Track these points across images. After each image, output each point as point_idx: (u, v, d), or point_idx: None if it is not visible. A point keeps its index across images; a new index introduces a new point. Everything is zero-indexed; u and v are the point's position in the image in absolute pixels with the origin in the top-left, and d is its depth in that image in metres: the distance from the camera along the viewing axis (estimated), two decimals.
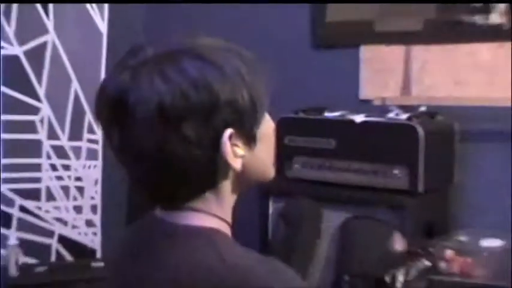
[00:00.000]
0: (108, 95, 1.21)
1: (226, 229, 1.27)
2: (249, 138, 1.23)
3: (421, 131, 2.84)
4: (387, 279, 2.50)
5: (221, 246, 1.20)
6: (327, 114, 3.15)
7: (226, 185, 1.25)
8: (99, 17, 3.59)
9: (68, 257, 3.56)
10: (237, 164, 1.22)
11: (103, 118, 1.24)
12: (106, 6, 3.59)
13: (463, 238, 2.76)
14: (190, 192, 1.24)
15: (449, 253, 2.53)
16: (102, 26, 3.60)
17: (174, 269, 1.19)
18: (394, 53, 3.30)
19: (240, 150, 1.22)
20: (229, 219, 1.29)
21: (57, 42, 3.49)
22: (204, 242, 1.20)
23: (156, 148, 1.18)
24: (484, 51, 3.12)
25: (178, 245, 1.22)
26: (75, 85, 3.55)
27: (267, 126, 1.28)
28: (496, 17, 3.06)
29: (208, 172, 1.21)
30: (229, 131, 1.20)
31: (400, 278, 2.48)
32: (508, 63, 3.06)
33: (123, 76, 1.20)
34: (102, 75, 3.59)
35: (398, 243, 2.65)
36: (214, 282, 1.15)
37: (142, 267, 1.25)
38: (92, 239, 3.63)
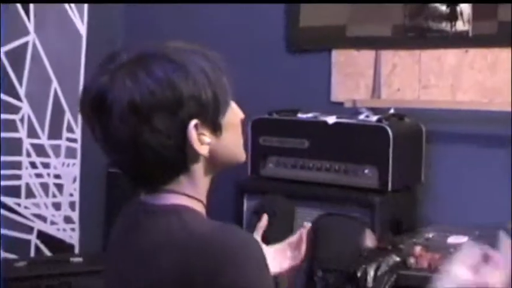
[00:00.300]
0: (90, 94, 1.40)
1: (200, 207, 1.46)
2: (215, 128, 1.42)
3: (390, 132, 2.98)
4: (359, 274, 2.59)
5: (186, 218, 1.38)
6: (300, 115, 3.27)
7: (198, 169, 1.44)
8: (79, 19, 3.68)
9: (47, 252, 3.65)
10: (203, 150, 1.41)
11: (86, 114, 1.43)
12: (86, 8, 3.68)
13: (430, 235, 2.88)
14: (164, 177, 1.43)
15: (418, 249, 2.64)
16: (82, 28, 3.69)
17: (150, 239, 1.39)
18: (364, 57, 3.43)
19: (207, 138, 1.41)
20: (203, 198, 1.47)
21: (38, 43, 3.57)
22: (173, 216, 1.39)
23: (131, 140, 1.36)
24: (450, 56, 3.26)
25: (154, 220, 1.41)
26: (54, 85, 3.64)
27: (233, 116, 1.47)
28: (461, 24, 3.20)
29: (179, 158, 1.40)
30: (194, 122, 1.38)
31: (371, 273, 2.58)
32: (472, 69, 3.20)
33: (103, 79, 1.38)
34: (82, 75, 3.68)
35: (369, 240, 2.75)
36: (179, 246, 1.34)
37: (128, 241, 1.45)
38: (70, 234, 3.72)
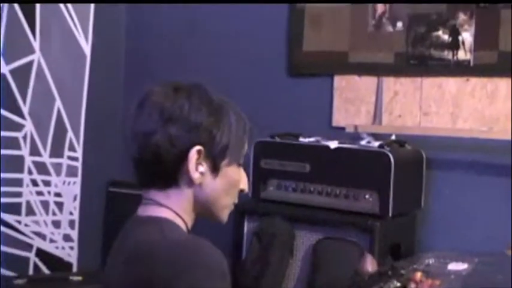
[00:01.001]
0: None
1: (181, 224, 1.61)
2: (214, 166, 1.60)
3: (392, 158, 3.01)
4: None
5: (165, 229, 1.55)
6: (302, 139, 3.31)
7: (187, 192, 1.60)
8: (84, 39, 3.71)
9: (45, 270, 3.66)
10: (195, 175, 1.58)
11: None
12: (90, 28, 3.71)
13: (430, 261, 2.90)
14: (157, 182, 1.60)
15: (418, 275, 2.66)
16: (86, 47, 3.72)
17: (132, 245, 1.55)
18: (366, 83, 3.47)
19: (202, 168, 1.58)
20: (187, 220, 1.62)
21: (43, 62, 3.60)
22: (155, 226, 1.56)
23: (147, 134, 1.56)
24: (451, 84, 3.31)
25: (139, 228, 1.58)
26: (58, 103, 3.66)
27: (235, 175, 1.65)
28: (463, 53, 3.25)
29: (173, 169, 1.57)
30: (198, 147, 1.56)
31: None
32: (472, 97, 3.25)
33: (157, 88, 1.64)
34: (85, 95, 3.71)
35: (370, 264, 2.77)
36: (155, 252, 1.50)
37: (119, 249, 1.61)
38: (69, 253, 3.73)
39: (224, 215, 1.69)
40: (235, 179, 1.65)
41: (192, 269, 1.45)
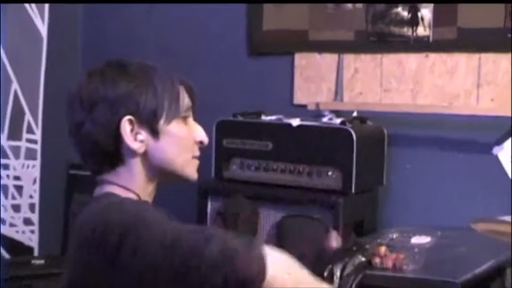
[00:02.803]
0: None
1: (131, 197, 1.58)
2: (152, 130, 1.58)
3: (354, 135, 3.02)
4: (325, 274, 2.62)
5: (106, 199, 1.54)
6: (264, 117, 3.30)
7: (135, 164, 1.59)
8: (40, 20, 3.65)
9: (6, 254, 3.61)
10: (135, 145, 1.57)
11: None
12: (46, 9, 3.66)
13: (394, 235, 2.93)
14: (103, 166, 1.59)
15: (382, 249, 2.68)
16: (43, 28, 3.67)
17: (79, 220, 1.53)
18: (326, 61, 3.48)
19: (141, 136, 1.57)
20: (141, 193, 1.60)
21: None
22: (99, 200, 1.55)
23: (77, 127, 1.57)
24: (411, 61, 3.33)
25: (87, 207, 1.55)
26: (15, 86, 3.60)
27: (180, 129, 1.61)
28: (422, 29, 3.27)
29: (114, 150, 1.57)
30: (127, 117, 1.55)
31: (338, 273, 2.60)
32: (432, 73, 3.27)
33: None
34: (42, 76, 3.66)
35: (334, 240, 2.79)
36: (93, 219, 1.49)
37: (70, 234, 1.59)
38: (30, 237, 3.69)
39: (189, 172, 1.64)
40: (181, 134, 1.61)
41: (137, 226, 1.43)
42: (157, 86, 1.58)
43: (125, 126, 1.55)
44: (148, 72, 1.59)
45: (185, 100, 1.63)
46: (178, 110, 1.60)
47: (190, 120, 1.65)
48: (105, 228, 1.44)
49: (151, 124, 1.57)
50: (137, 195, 1.60)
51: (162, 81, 1.59)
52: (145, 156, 1.59)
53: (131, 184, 1.59)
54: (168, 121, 1.59)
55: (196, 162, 1.66)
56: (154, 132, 1.58)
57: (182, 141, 1.62)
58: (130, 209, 1.49)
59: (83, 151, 1.60)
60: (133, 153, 1.57)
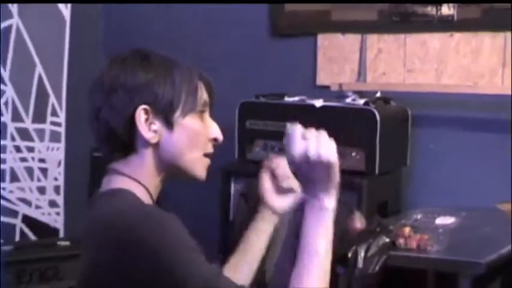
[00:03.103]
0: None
1: (141, 191, 1.58)
2: (166, 120, 1.58)
3: (378, 115, 3.01)
4: (349, 255, 2.63)
5: (117, 200, 1.54)
6: (287, 99, 3.30)
7: (148, 154, 1.59)
8: (63, 4, 3.66)
9: (32, 236, 3.64)
10: (149, 135, 1.57)
11: None
12: None
13: (418, 216, 2.92)
14: (117, 152, 1.59)
15: (407, 230, 2.68)
16: (66, 12, 3.68)
17: (90, 219, 1.56)
18: (349, 41, 3.46)
19: (155, 126, 1.57)
20: (148, 185, 1.60)
21: (22, 27, 3.55)
22: (109, 199, 1.55)
23: (95, 113, 1.58)
24: (435, 40, 3.30)
25: (96, 203, 1.58)
26: (39, 69, 3.62)
27: (195, 124, 1.61)
28: (446, 8, 3.24)
29: (128, 137, 1.57)
30: (143, 106, 1.56)
31: (362, 254, 2.61)
32: (456, 53, 3.25)
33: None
34: (66, 59, 3.67)
35: (358, 222, 2.78)
36: (102, 220, 1.51)
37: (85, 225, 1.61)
38: (55, 218, 3.72)
39: (197, 170, 1.63)
40: (196, 128, 1.62)
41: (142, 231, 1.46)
42: (176, 78, 1.59)
43: (140, 115, 1.56)
44: (168, 64, 1.60)
45: (203, 95, 1.63)
46: (195, 104, 1.61)
47: (207, 116, 1.65)
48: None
49: (166, 115, 1.58)
50: (145, 187, 1.60)
51: (181, 73, 1.60)
52: (157, 147, 1.59)
53: (140, 175, 1.59)
54: (184, 114, 1.59)
55: (207, 161, 1.65)
56: (169, 124, 1.58)
57: (195, 136, 1.62)
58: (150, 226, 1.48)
59: (99, 136, 1.61)
60: (146, 142, 1.58)
